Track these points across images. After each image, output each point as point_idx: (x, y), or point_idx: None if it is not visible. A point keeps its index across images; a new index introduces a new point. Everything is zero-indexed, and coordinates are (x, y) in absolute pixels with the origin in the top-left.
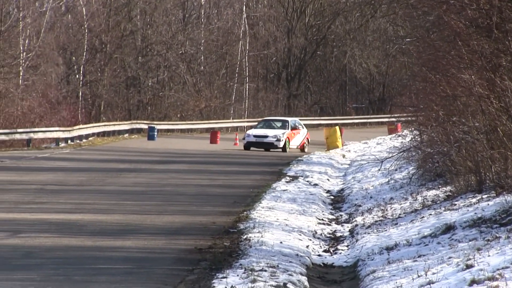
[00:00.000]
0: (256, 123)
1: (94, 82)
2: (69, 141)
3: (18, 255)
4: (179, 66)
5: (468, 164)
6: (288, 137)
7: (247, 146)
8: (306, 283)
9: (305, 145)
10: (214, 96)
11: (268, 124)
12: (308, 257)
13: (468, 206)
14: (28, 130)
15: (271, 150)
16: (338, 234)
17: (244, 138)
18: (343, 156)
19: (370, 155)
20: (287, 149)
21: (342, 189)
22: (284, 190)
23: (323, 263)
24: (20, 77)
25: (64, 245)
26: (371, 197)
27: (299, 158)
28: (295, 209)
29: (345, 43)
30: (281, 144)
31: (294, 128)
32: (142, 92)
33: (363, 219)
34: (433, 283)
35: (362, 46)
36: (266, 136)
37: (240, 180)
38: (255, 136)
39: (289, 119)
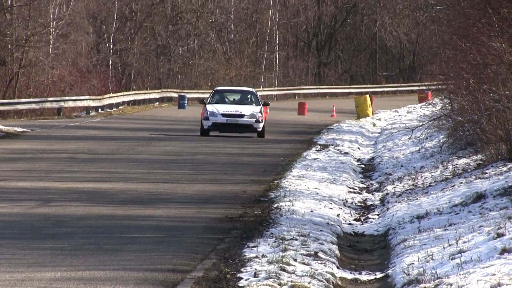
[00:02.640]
0: (214, 96)
1: (124, 50)
2: (99, 110)
3: (49, 224)
4: (209, 35)
5: (499, 132)
6: (264, 116)
7: (209, 130)
8: (337, 252)
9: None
10: (244, 65)
11: (225, 98)
12: (339, 226)
13: (498, 174)
14: (58, 98)
15: (245, 135)
16: (369, 203)
17: (206, 118)
18: (373, 124)
19: (401, 123)
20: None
21: (373, 158)
22: (314, 159)
23: (354, 232)
24: (50, 46)
25: (95, 214)
26: (401, 166)
27: (330, 127)
28: (325, 178)
29: (375, 11)
30: (261, 126)
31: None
32: (172, 60)
33: (394, 187)
34: (464, 251)
35: (392, 14)
36: (241, 116)
37: (270, 148)
38: (225, 115)
39: (250, 89)
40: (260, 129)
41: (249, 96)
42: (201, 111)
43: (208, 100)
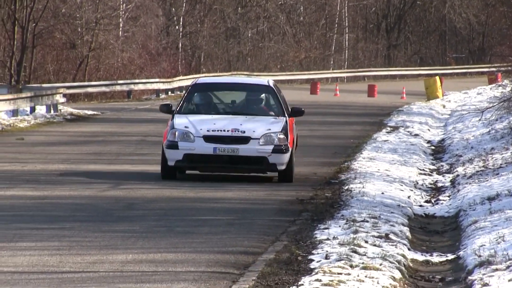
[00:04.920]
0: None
1: (193, 33)
2: (169, 93)
3: (120, 206)
4: (278, 17)
5: None
6: (291, 138)
7: (178, 168)
8: (408, 234)
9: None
10: (313, 47)
11: (212, 101)
12: (410, 208)
13: None
14: (128, 81)
15: (252, 179)
16: (439, 185)
17: (172, 145)
18: (443, 106)
19: (471, 105)
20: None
21: (443, 139)
22: (384, 141)
23: (424, 214)
24: (120, 29)
25: (165, 197)
26: (471, 147)
27: (400, 109)
28: (396, 160)
29: None
30: (285, 159)
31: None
32: (242, 43)
33: (464, 169)
34: None
35: None
36: (244, 139)
37: (340, 130)
38: (210, 139)
39: (263, 81)
40: (282, 166)
41: (262, 96)
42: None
43: (179, 106)
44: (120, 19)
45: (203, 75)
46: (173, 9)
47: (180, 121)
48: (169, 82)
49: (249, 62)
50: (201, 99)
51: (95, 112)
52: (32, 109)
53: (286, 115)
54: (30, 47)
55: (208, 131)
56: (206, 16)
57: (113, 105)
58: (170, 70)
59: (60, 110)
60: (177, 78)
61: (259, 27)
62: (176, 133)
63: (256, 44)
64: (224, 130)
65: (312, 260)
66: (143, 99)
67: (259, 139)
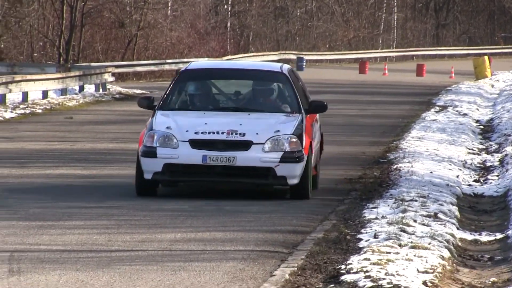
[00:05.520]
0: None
1: (242, 12)
2: None
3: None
4: None
5: None
6: (308, 143)
7: (157, 181)
8: (457, 213)
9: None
10: (362, 26)
11: (208, 93)
12: (458, 187)
13: None
14: (177, 60)
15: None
16: (488, 164)
17: (149, 152)
18: (492, 85)
19: None
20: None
21: (491, 119)
22: (433, 120)
23: (473, 193)
24: (169, 8)
25: None
26: None
27: (448, 88)
28: (444, 139)
29: None
30: (298, 170)
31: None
32: (291, 22)
33: None
34: None
35: None
36: (242, 144)
37: (388, 110)
38: (198, 143)
39: (275, 67)
40: (294, 179)
41: (272, 86)
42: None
43: (162, 100)
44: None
45: (252, 54)
46: None
47: (162, 119)
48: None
49: (298, 42)
50: (192, 90)
51: (143, 91)
52: (81, 88)
53: (303, 111)
54: (78, 26)
55: (196, 133)
56: None
57: (161, 84)
58: (218, 50)
59: (108, 89)
60: (226, 57)
61: (308, 6)
62: (155, 136)
63: (305, 23)
64: (217, 132)
65: (360, 239)
66: None
67: (263, 144)
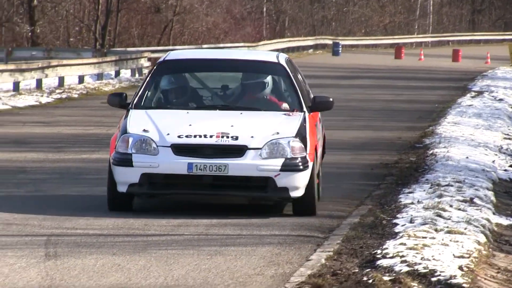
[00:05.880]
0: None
1: None
2: None
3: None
4: None
5: None
6: (313, 146)
7: (133, 194)
8: (493, 198)
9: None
10: (398, 12)
11: (191, 90)
12: (494, 172)
13: None
14: (213, 45)
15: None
16: None
17: (123, 159)
18: None
19: None
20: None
21: None
22: (469, 105)
23: (509, 178)
24: None
25: None
26: None
27: (484, 74)
28: (480, 124)
29: None
30: (301, 180)
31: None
32: (326, 7)
33: None
34: None
35: None
36: (235, 150)
37: (424, 95)
38: (182, 149)
39: (271, 57)
40: (298, 191)
41: (267, 79)
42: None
43: (137, 96)
44: None
45: (287, 39)
46: None
47: (137, 121)
48: (254, 46)
49: (333, 27)
50: (172, 85)
51: None
52: (117, 73)
53: (305, 108)
54: (114, 11)
55: (180, 137)
56: None
57: None
58: (254, 35)
59: (144, 74)
60: (262, 42)
61: None
62: (130, 140)
63: (341, 8)
64: (205, 136)
65: (396, 224)
66: None
67: (260, 149)
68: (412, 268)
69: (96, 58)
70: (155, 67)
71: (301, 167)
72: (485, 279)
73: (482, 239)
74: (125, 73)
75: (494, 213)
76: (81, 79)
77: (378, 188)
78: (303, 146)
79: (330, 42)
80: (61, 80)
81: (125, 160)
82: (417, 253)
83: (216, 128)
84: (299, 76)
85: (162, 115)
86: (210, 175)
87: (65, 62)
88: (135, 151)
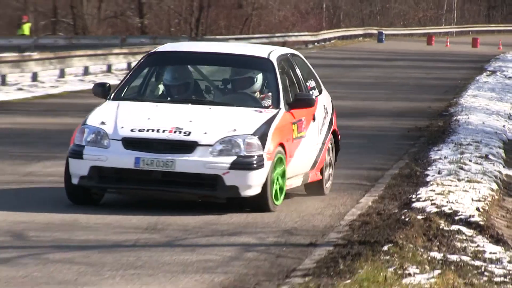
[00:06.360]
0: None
1: None
2: (315, 44)
3: None
4: None
5: None
6: (277, 145)
7: (83, 186)
8: (503, 155)
9: (326, 168)
10: (429, 7)
11: (177, 81)
12: (505, 134)
13: None
14: (283, 34)
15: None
16: None
17: (76, 152)
18: None
19: None
20: (277, 201)
21: None
22: (485, 82)
23: None
24: None
25: None
26: None
27: (497, 57)
28: (494, 97)
29: None
30: (253, 182)
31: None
32: (373, 4)
33: None
34: None
35: None
36: (184, 145)
37: (450, 74)
38: (132, 142)
39: (262, 51)
40: (250, 190)
41: (252, 75)
42: None
43: (118, 87)
44: None
45: (342, 29)
46: None
47: (102, 112)
48: (315, 35)
49: (378, 20)
50: (154, 77)
51: None
52: None
53: (282, 105)
54: (206, 7)
55: (132, 130)
56: None
57: None
58: (316, 26)
59: None
60: (322, 32)
61: None
62: (86, 132)
63: (384, 5)
64: (158, 130)
65: (427, 175)
66: (295, 48)
67: (212, 145)
68: (440, 209)
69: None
70: (143, 59)
71: (254, 165)
72: (497, 218)
73: (495, 186)
74: None
75: (504, 166)
76: None
77: (413, 147)
78: (260, 144)
79: (375, 32)
80: None
81: (77, 152)
82: (443, 197)
83: (173, 123)
84: (297, 73)
85: (130, 107)
86: (159, 171)
87: None
88: (88, 143)
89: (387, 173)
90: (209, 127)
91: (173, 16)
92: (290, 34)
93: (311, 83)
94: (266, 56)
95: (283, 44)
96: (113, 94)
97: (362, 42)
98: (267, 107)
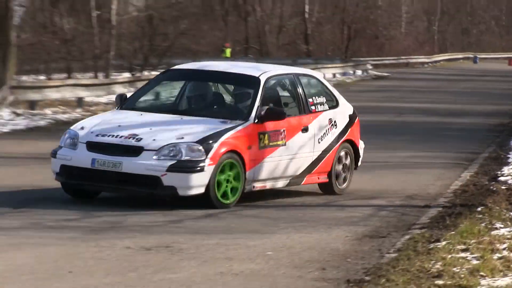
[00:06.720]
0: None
1: (442, 32)
2: (429, 64)
3: (400, 126)
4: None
5: None
6: (218, 156)
7: (59, 180)
8: None
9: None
10: (510, 38)
11: (178, 93)
12: None
13: None
14: (407, 57)
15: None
16: None
17: (55, 149)
18: None
19: None
20: (227, 200)
21: None
22: None
23: None
24: (402, 28)
25: (425, 121)
26: None
27: None
28: None
29: None
30: (191, 183)
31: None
32: (471, 36)
33: None
34: None
35: None
36: (137, 150)
37: None
38: (94, 145)
39: (254, 72)
40: (190, 190)
41: (239, 91)
42: None
43: (129, 99)
44: (403, 23)
45: (447, 54)
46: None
47: (94, 118)
48: (429, 58)
49: (474, 47)
50: (156, 91)
51: (387, 74)
52: (353, 72)
53: (251, 118)
54: (352, 38)
55: (97, 135)
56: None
57: (398, 71)
58: (430, 51)
59: (368, 72)
60: (434, 55)
61: (481, 27)
62: (66, 135)
63: (479, 37)
64: (116, 136)
65: (509, 157)
66: (415, 67)
67: (156, 150)
68: None
69: (342, 63)
70: (157, 76)
71: (194, 169)
72: None
73: None
74: (358, 72)
75: None
76: (333, 75)
77: (498, 138)
78: (202, 151)
79: (472, 56)
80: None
81: (54, 152)
82: None
83: (134, 130)
84: (298, 90)
85: (116, 116)
86: (110, 171)
87: (325, 65)
88: (64, 145)
89: (480, 156)
90: (161, 135)
91: (330, 43)
92: (412, 57)
93: (318, 99)
94: (256, 76)
95: (406, 64)
96: (123, 104)
97: (462, 63)
98: (238, 119)
